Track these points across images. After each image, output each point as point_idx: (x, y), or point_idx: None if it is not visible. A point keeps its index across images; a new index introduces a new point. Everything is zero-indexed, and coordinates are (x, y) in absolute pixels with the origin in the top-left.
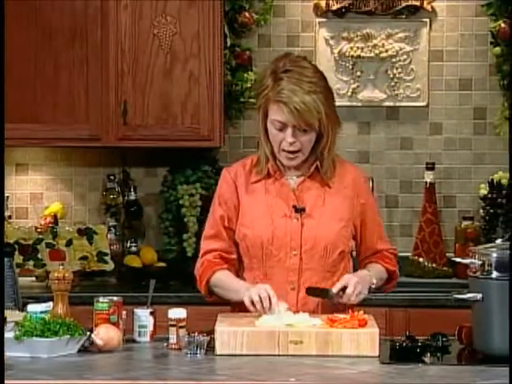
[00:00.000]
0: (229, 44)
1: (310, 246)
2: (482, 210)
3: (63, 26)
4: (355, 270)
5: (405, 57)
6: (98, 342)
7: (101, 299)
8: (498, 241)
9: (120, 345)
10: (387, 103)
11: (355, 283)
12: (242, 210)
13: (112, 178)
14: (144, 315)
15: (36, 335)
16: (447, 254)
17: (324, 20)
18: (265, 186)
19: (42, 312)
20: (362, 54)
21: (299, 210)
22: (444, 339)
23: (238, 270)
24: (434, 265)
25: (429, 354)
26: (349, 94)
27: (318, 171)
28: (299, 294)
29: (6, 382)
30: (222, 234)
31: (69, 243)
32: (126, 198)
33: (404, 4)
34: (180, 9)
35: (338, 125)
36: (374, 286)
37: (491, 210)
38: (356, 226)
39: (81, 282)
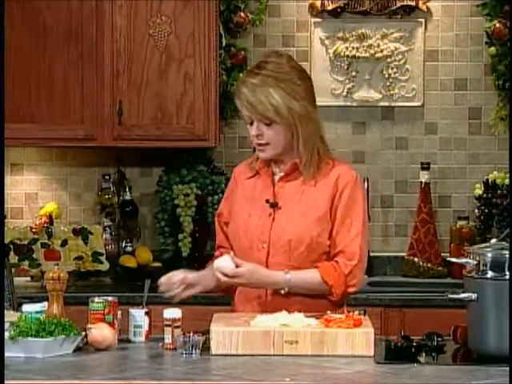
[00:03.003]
0: (224, 44)
1: (275, 239)
2: (477, 210)
3: (58, 25)
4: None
5: (400, 57)
6: (93, 338)
7: (96, 299)
8: (493, 240)
9: (114, 344)
10: (382, 103)
11: (240, 273)
12: (233, 204)
13: (107, 177)
14: (139, 315)
15: (31, 335)
16: (442, 254)
17: (319, 20)
18: (254, 182)
19: (37, 312)
20: (358, 54)
21: (273, 205)
22: (439, 339)
23: None
24: (429, 265)
25: (424, 354)
26: (344, 93)
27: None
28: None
29: None
30: (218, 230)
31: (64, 243)
32: (121, 197)
33: (399, 4)
34: (175, 9)
35: (311, 121)
36: (284, 292)
37: (486, 210)
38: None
39: (76, 282)
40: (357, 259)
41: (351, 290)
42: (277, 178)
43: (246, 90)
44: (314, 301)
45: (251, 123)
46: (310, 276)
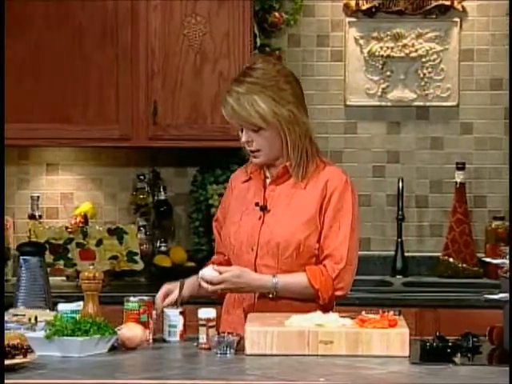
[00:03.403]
0: (258, 44)
1: (264, 242)
2: None
3: (93, 26)
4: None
5: (435, 56)
6: (122, 338)
7: (131, 299)
8: None
9: (145, 342)
10: (417, 103)
11: (225, 279)
12: (228, 209)
13: (142, 177)
14: (174, 315)
15: (67, 334)
16: (478, 254)
17: (354, 20)
18: (248, 186)
19: (72, 311)
20: (392, 54)
21: (262, 208)
22: (475, 339)
23: None
24: (464, 265)
25: (459, 355)
26: (378, 93)
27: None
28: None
29: (37, 381)
30: (216, 235)
31: (99, 243)
32: (156, 197)
33: (434, 3)
34: (210, 9)
35: (298, 124)
36: (272, 296)
37: None
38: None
39: (111, 282)
40: (344, 263)
41: (339, 293)
42: (268, 181)
43: (230, 99)
44: (303, 304)
45: (241, 130)
46: (298, 280)
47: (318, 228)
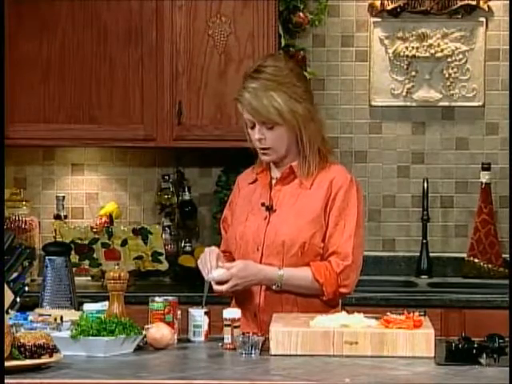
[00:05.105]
0: (283, 44)
1: (269, 241)
2: None
3: (119, 26)
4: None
5: (460, 56)
6: (151, 337)
7: (156, 299)
8: None
9: (172, 343)
10: (442, 103)
11: (233, 274)
12: (235, 210)
13: (166, 178)
14: (199, 315)
15: (92, 334)
16: (503, 255)
17: (379, 20)
18: (255, 187)
19: (97, 311)
20: (417, 54)
21: (268, 208)
22: (501, 341)
23: None
24: (489, 265)
25: (485, 356)
26: (403, 93)
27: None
28: (261, 290)
29: (62, 380)
30: (223, 235)
31: (124, 243)
32: (181, 197)
33: (460, 3)
34: (234, 9)
35: (313, 121)
36: (277, 288)
37: None
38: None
39: (136, 282)
40: (350, 260)
41: (344, 290)
42: (274, 182)
43: (248, 94)
44: (307, 300)
45: (252, 127)
46: (303, 274)
47: (323, 227)
